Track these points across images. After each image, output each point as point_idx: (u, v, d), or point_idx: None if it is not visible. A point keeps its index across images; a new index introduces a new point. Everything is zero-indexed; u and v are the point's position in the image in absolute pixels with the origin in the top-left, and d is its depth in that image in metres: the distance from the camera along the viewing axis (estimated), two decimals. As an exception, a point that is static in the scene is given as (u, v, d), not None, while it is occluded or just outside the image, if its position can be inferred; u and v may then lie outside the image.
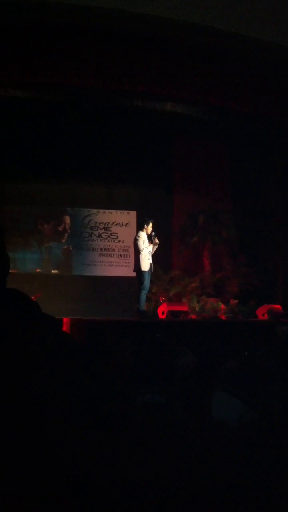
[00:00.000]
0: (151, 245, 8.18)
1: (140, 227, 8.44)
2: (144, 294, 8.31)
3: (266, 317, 9.60)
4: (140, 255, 8.11)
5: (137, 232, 8.38)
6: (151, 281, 8.57)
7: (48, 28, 8.50)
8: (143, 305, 8.36)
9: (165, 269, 11.42)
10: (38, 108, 10.34)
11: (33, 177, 11.28)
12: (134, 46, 9.04)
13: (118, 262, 12.09)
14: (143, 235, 8.16)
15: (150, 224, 8.21)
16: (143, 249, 8.08)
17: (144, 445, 1.09)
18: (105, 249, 12.10)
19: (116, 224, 12.16)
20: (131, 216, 12.16)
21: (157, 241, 8.19)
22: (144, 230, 8.20)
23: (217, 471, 1.11)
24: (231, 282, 11.61)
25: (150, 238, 8.19)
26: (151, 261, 8.19)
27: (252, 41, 9.04)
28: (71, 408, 1.15)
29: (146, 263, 8.11)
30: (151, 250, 8.20)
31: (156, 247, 8.24)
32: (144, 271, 8.13)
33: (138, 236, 8.18)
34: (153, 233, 8.19)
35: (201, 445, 1.13)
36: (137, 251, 8.16)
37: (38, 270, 11.59)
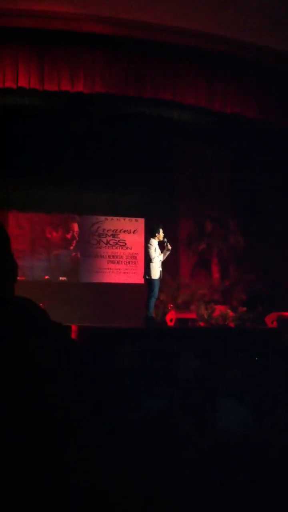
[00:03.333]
0: (162, 254, 8.16)
1: (150, 235, 8.41)
2: (153, 301, 8.28)
3: (275, 324, 9.57)
4: (151, 263, 8.09)
5: (149, 239, 8.36)
6: (159, 289, 8.55)
7: (53, 35, 8.56)
8: (152, 312, 8.34)
9: (173, 275, 11.41)
10: (48, 115, 10.40)
11: (41, 185, 11.32)
12: (138, 53, 9.09)
13: (126, 269, 12.09)
14: (154, 243, 8.13)
15: (161, 230, 8.19)
16: (154, 257, 8.06)
17: (145, 450, 1.10)
18: (113, 256, 12.11)
19: (124, 231, 12.17)
20: (139, 223, 12.17)
21: (169, 246, 8.17)
22: (156, 237, 8.18)
23: (218, 478, 1.11)
24: (239, 289, 11.58)
25: (162, 244, 8.17)
26: (161, 269, 8.17)
27: (256, 47, 9.07)
28: (77, 412, 1.16)
29: (156, 271, 8.09)
30: (162, 258, 8.18)
31: (168, 252, 8.21)
32: (155, 279, 8.10)
33: (150, 244, 8.15)
34: (165, 239, 8.17)
35: (202, 451, 1.14)
36: (149, 259, 8.14)
37: (47, 277, 11.62)
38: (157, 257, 8.10)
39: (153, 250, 8.09)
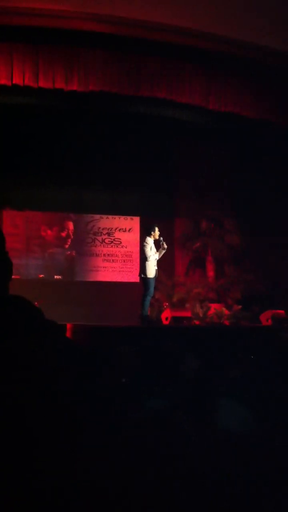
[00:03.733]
0: (157, 253, 8.16)
1: (146, 233, 8.41)
2: (148, 300, 8.28)
3: (270, 322, 9.59)
4: (147, 262, 8.09)
5: (144, 238, 8.36)
6: (155, 287, 8.56)
7: (51, 33, 8.54)
8: (147, 311, 8.35)
9: (168, 274, 11.41)
10: (42, 114, 10.38)
11: (36, 183, 11.30)
12: (137, 52, 9.08)
13: (121, 268, 12.09)
14: (150, 242, 8.13)
15: (157, 229, 8.18)
16: (150, 255, 8.07)
17: (146, 450, 1.09)
18: (108, 254, 12.10)
19: (119, 230, 12.16)
20: (134, 222, 12.17)
21: (165, 245, 8.16)
22: (152, 236, 8.18)
23: (218, 478, 1.11)
24: (234, 288, 11.60)
25: (158, 243, 8.17)
26: (156, 268, 8.17)
27: (255, 47, 9.08)
28: (74, 413, 1.15)
29: (152, 269, 8.09)
30: (157, 257, 8.17)
31: (164, 251, 8.20)
32: (150, 278, 8.11)
33: (146, 243, 8.15)
34: (161, 238, 8.16)
35: (202, 451, 1.13)
36: (144, 258, 8.14)
37: (41, 275, 11.60)
38: (153, 256, 8.10)
39: (149, 248, 8.09)
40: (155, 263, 8.13)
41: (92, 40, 8.76)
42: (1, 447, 1.07)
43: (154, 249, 8.13)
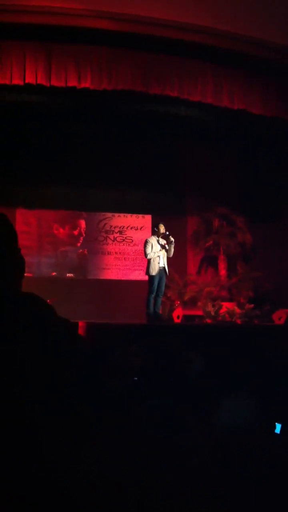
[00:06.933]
0: (161, 250, 8.14)
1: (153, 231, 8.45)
2: (152, 297, 8.29)
3: (282, 321, 9.55)
4: (149, 259, 8.15)
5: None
6: (166, 286, 8.55)
7: (60, 31, 8.55)
8: (151, 309, 8.34)
9: (180, 273, 11.41)
10: (52, 112, 10.41)
11: (48, 182, 11.34)
12: (145, 50, 9.06)
13: (133, 266, 12.10)
14: (151, 240, 8.16)
15: (161, 226, 8.20)
16: (148, 253, 8.11)
17: (149, 449, 1.10)
18: (120, 252, 12.13)
19: (131, 228, 12.18)
20: (145, 220, 12.18)
21: (171, 238, 8.14)
22: (156, 233, 8.21)
23: (222, 476, 1.11)
24: (246, 286, 11.56)
25: (165, 238, 8.17)
26: (161, 265, 8.14)
27: (266, 44, 9.02)
28: (82, 409, 1.16)
29: (154, 267, 8.11)
30: (160, 254, 8.15)
31: (172, 245, 8.15)
32: (153, 275, 8.13)
33: (146, 241, 8.21)
34: (167, 232, 8.15)
35: (208, 450, 1.13)
36: (145, 256, 8.22)
37: (54, 273, 11.65)
38: (154, 254, 8.09)
39: (149, 247, 8.11)
40: (158, 260, 8.13)
41: (101, 38, 8.76)
42: (10, 442, 1.08)
43: (156, 248, 8.12)
